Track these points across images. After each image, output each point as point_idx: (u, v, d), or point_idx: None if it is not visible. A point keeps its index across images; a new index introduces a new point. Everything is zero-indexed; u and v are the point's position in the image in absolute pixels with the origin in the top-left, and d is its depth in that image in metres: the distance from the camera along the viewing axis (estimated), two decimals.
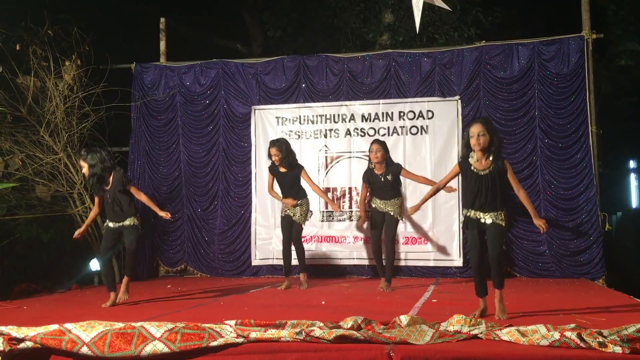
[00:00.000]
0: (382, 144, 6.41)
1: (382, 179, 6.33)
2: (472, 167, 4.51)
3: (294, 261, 6.70)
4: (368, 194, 6.60)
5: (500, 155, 4.53)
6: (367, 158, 7.16)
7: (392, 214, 6.32)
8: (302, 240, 7.86)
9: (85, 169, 5.53)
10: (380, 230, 6.45)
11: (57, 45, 7.47)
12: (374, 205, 6.45)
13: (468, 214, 4.55)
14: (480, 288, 4.61)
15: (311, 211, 6.77)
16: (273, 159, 6.52)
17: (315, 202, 7.89)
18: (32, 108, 7.38)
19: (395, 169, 6.38)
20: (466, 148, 4.58)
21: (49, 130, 7.45)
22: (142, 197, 5.65)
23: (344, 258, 7.82)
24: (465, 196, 4.68)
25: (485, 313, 4.55)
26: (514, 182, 4.57)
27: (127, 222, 5.52)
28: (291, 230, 6.62)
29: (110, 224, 5.56)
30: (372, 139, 7.70)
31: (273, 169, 6.64)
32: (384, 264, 6.44)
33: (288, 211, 6.58)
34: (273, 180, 6.72)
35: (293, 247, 6.66)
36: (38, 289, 6.62)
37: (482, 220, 4.48)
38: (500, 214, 4.50)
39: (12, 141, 7.28)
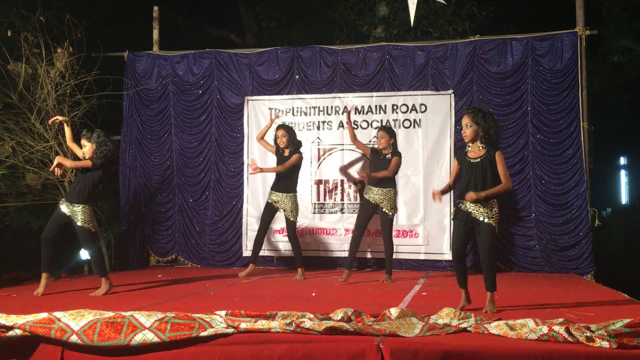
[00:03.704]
0: (387, 130, 6.49)
1: (381, 157, 6.40)
2: (467, 156, 4.58)
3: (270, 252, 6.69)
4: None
5: (494, 145, 4.52)
6: (360, 151, 7.27)
7: (386, 211, 6.33)
8: None
9: (85, 148, 5.44)
10: (364, 226, 6.46)
11: (49, 32, 7.40)
12: (366, 197, 6.45)
13: (460, 205, 4.57)
14: (460, 279, 4.67)
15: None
16: (279, 140, 6.53)
17: (307, 194, 7.91)
18: (23, 95, 7.32)
19: (397, 153, 6.44)
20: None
21: (40, 117, 7.39)
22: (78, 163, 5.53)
23: (335, 250, 7.82)
24: (459, 186, 4.69)
25: (467, 301, 4.61)
26: (502, 173, 4.48)
27: (76, 219, 5.36)
28: (270, 219, 6.68)
29: (62, 207, 5.41)
30: (365, 131, 7.79)
31: (278, 153, 6.64)
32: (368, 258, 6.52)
33: (277, 202, 6.56)
34: (271, 149, 6.75)
35: (275, 241, 6.67)
36: (27, 277, 6.59)
37: (473, 215, 4.48)
38: (492, 207, 4.47)
39: (3, 128, 7.22)
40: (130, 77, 8.49)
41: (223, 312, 3.64)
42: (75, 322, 3.38)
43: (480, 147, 4.53)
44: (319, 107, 8.01)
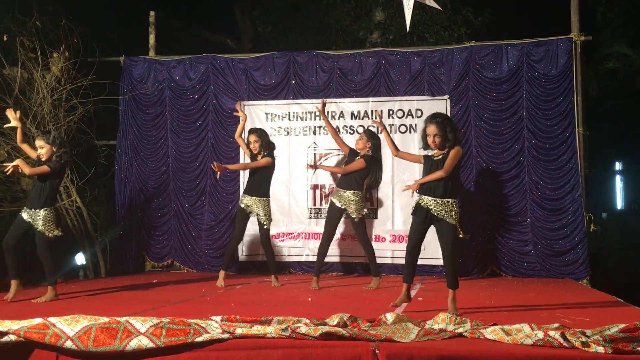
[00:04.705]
0: (369, 133, 6.38)
1: (353, 158, 6.34)
2: (431, 155, 4.77)
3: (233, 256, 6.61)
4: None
5: (454, 145, 4.64)
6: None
7: (353, 216, 6.20)
8: (290, 236, 7.89)
9: (41, 150, 5.33)
10: (333, 231, 6.33)
11: (45, 36, 7.40)
12: (332, 199, 6.31)
13: (420, 201, 4.68)
14: (407, 274, 4.79)
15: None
16: (252, 146, 6.35)
17: (304, 199, 7.91)
18: (18, 100, 7.31)
19: (368, 158, 6.24)
20: (423, 140, 4.80)
21: (36, 122, 7.38)
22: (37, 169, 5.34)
23: (331, 255, 7.78)
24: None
25: (408, 298, 4.77)
26: (447, 163, 4.58)
27: (39, 222, 5.29)
28: (245, 225, 6.51)
29: (24, 214, 5.34)
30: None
31: (253, 158, 6.46)
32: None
33: (249, 207, 6.38)
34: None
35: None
36: (22, 282, 6.54)
37: (434, 212, 4.58)
38: (451, 206, 4.58)
39: None
40: (126, 82, 8.49)
41: (218, 318, 3.63)
42: (70, 327, 3.36)
43: (442, 149, 4.70)
44: (315, 112, 8.00)
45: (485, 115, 7.61)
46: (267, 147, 6.39)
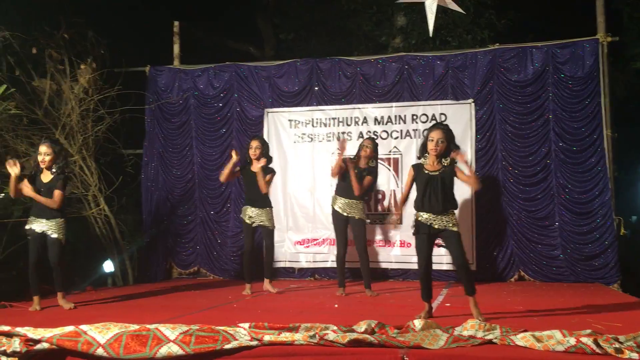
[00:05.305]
0: (374, 143, 6.37)
1: (356, 172, 6.23)
2: (424, 169, 4.66)
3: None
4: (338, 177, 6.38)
5: (452, 161, 4.64)
6: (381, 162, 7.14)
7: (357, 217, 6.24)
8: (315, 243, 7.89)
9: (47, 157, 5.34)
10: (345, 240, 6.35)
11: (73, 48, 7.55)
12: (335, 208, 6.33)
13: (419, 218, 4.64)
14: (425, 293, 4.70)
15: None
16: (252, 152, 6.35)
17: (328, 206, 7.86)
18: (48, 111, 7.46)
19: (374, 171, 6.29)
20: (422, 148, 4.73)
21: (65, 133, 7.52)
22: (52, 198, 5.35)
23: (355, 261, 7.77)
24: (416, 199, 4.70)
25: (430, 314, 4.65)
26: (466, 177, 4.61)
27: (51, 231, 5.36)
28: (254, 237, 6.55)
29: (35, 226, 5.37)
30: (385, 142, 7.76)
31: (244, 168, 6.48)
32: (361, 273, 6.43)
33: (252, 218, 6.39)
34: (237, 175, 6.62)
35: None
36: (53, 290, 6.65)
37: (435, 226, 4.56)
38: (452, 217, 4.59)
39: (28, 143, 7.35)
40: (152, 92, 8.59)
41: (246, 325, 3.65)
42: (101, 335, 3.41)
43: (442, 162, 4.64)
44: (338, 118, 8.02)
45: (510, 118, 7.54)
46: (266, 157, 6.41)
